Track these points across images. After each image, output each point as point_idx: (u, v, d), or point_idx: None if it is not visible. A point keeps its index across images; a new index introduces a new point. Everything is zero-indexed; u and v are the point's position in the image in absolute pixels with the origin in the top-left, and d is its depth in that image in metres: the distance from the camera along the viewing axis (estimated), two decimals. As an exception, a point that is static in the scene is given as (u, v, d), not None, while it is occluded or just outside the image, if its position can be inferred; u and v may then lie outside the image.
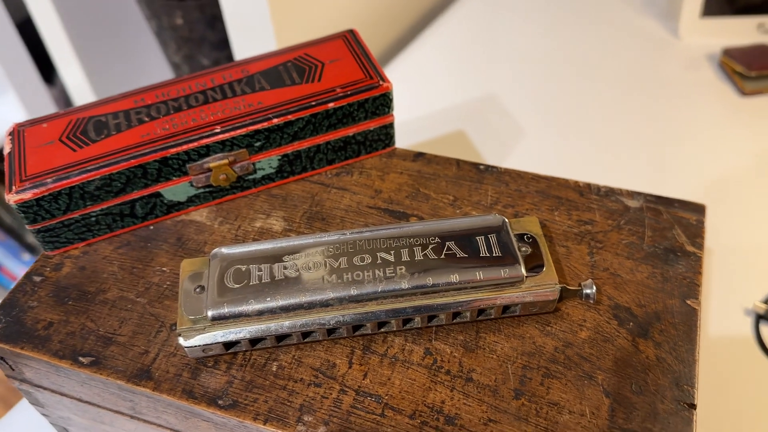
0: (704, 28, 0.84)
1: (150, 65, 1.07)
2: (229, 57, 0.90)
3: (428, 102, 0.78)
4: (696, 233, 0.42)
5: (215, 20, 0.86)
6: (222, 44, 0.89)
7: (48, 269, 0.43)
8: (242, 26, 0.76)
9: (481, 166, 0.47)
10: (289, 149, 0.45)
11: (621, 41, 0.86)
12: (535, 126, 0.74)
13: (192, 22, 0.85)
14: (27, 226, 0.42)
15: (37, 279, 0.42)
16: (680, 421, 0.34)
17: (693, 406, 0.35)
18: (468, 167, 0.47)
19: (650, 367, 0.36)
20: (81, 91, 1.05)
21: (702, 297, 0.39)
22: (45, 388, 0.42)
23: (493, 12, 0.93)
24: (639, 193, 0.45)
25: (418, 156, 0.48)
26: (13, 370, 0.42)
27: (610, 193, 0.45)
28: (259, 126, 0.42)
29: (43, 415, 0.47)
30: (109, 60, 1.03)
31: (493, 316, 0.38)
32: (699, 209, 0.43)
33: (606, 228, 0.43)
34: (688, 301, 0.39)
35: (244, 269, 0.38)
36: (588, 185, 0.45)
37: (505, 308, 0.38)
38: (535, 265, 0.38)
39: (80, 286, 0.42)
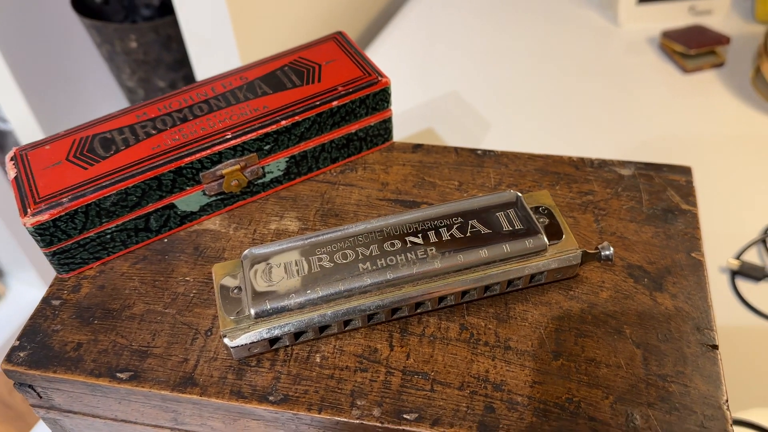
0: (641, 14, 0.89)
1: (99, 93, 1.05)
2: (187, 77, 0.90)
3: (394, 104, 0.80)
4: (688, 192, 0.45)
5: (170, 41, 0.86)
6: (177, 65, 0.88)
7: (65, 292, 0.42)
8: (203, 44, 0.76)
9: (479, 151, 0.49)
10: (296, 150, 0.45)
11: (566, 33, 0.90)
12: (497, 117, 0.77)
13: (146, 45, 0.85)
14: (42, 250, 0.41)
15: (56, 303, 0.42)
16: (707, 362, 0.37)
17: (716, 347, 0.38)
18: (466, 153, 0.49)
19: (671, 317, 0.39)
20: (26, 127, 1.02)
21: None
22: (75, 413, 0.41)
23: (442, 11, 0.96)
24: (630, 162, 0.48)
25: (417, 147, 0.50)
26: (41, 398, 0.41)
27: (603, 164, 0.48)
28: (268, 129, 0.43)
29: (67, 444, 0.45)
30: (55, 93, 1.00)
31: (520, 287, 0.40)
32: (686, 171, 0.47)
33: (606, 196, 0.45)
34: (693, 254, 0.42)
35: (279, 266, 0.38)
36: (582, 159, 0.48)
37: (531, 278, 0.40)
38: (554, 233, 0.40)
39: (103, 304, 0.41)
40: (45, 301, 0.42)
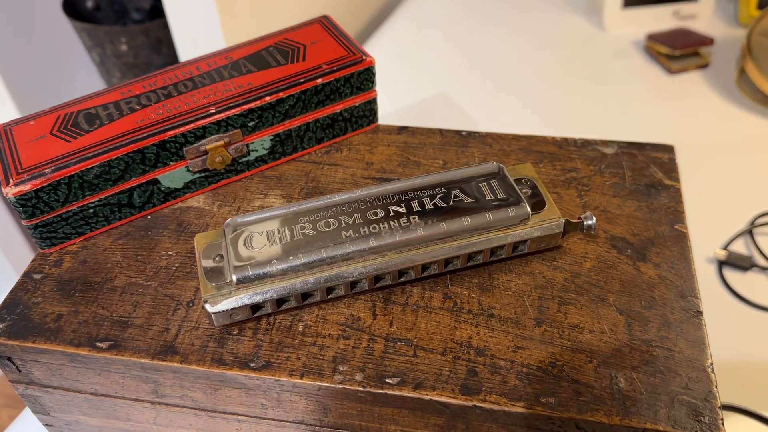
0: (626, 19, 0.90)
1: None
2: (177, 80, 0.90)
3: (382, 105, 0.80)
4: (670, 169, 0.46)
5: (160, 44, 0.86)
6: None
7: (47, 266, 0.42)
8: (193, 45, 0.77)
9: (464, 132, 0.49)
10: (280, 128, 0.46)
11: (552, 37, 0.92)
12: (484, 118, 0.78)
13: (137, 47, 0.85)
14: (24, 222, 0.41)
15: (37, 276, 0.41)
16: (692, 327, 0.37)
17: (700, 313, 0.38)
18: (451, 134, 0.49)
19: (654, 285, 0.39)
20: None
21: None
22: (55, 388, 0.41)
23: (432, 15, 0.97)
24: (612, 141, 0.48)
25: (402, 129, 0.50)
26: (20, 371, 0.40)
27: (587, 143, 0.48)
28: (252, 105, 0.43)
29: (47, 426, 0.45)
30: (45, 98, 1.00)
31: (504, 256, 0.40)
32: (669, 149, 0.47)
33: (589, 173, 0.46)
34: (676, 226, 0.42)
35: (261, 233, 0.38)
36: (565, 139, 0.48)
37: (515, 247, 0.40)
38: (537, 204, 0.40)
39: (84, 278, 0.41)
40: (26, 275, 0.41)
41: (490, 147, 0.48)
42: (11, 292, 0.41)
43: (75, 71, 1.00)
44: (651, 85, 0.82)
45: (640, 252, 0.41)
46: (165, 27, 0.84)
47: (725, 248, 0.62)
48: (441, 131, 0.49)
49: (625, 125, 0.76)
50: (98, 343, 0.37)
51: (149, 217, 0.44)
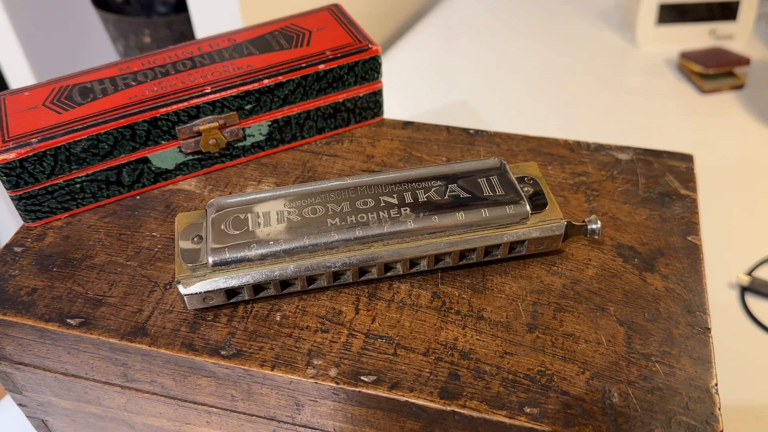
0: (660, 36, 0.87)
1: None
2: (198, 76, 0.90)
3: (403, 107, 0.78)
4: (687, 178, 0.43)
5: (183, 38, 0.86)
6: (191, 63, 0.88)
7: (29, 240, 0.41)
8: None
9: (471, 131, 0.47)
10: (279, 114, 0.44)
11: (582, 51, 0.89)
12: (504, 127, 0.75)
13: (160, 40, 0.85)
14: (8, 192, 0.40)
15: (18, 249, 0.40)
16: (697, 344, 0.34)
17: (708, 330, 0.35)
18: (458, 132, 0.47)
19: (660, 297, 0.36)
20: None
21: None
22: (26, 365, 0.39)
23: (464, 24, 0.95)
24: (628, 147, 0.45)
25: (407, 124, 0.48)
26: (-9, 346, 0.39)
27: (600, 148, 0.45)
28: (249, 87, 0.42)
29: (20, 405, 0.43)
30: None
31: (499, 257, 0.37)
32: (687, 158, 0.44)
33: (600, 178, 0.43)
34: (689, 238, 0.39)
35: (243, 216, 0.36)
36: (578, 142, 0.46)
37: (512, 248, 0.37)
38: (538, 204, 0.38)
39: (65, 253, 0.40)
40: (7, 247, 0.40)
41: (497, 146, 0.46)
42: (-11, 263, 0.40)
43: (101, 62, 1.01)
44: (681, 104, 0.79)
45: (647, 262, 0.38)
46: (188, 21, 0.84)
47: (749, 274, 0.59)
48: (447, 128, 0.47)
49: (652, 142, 0.73)
50: (69, 320, 0.36)
51: (138, 197, 0.43)
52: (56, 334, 0.36)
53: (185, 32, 0.85)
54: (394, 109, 0.77)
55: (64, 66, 0.96)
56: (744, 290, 0.58)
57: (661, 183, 0.43)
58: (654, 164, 0.44)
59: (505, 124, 0.76)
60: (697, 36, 0.87)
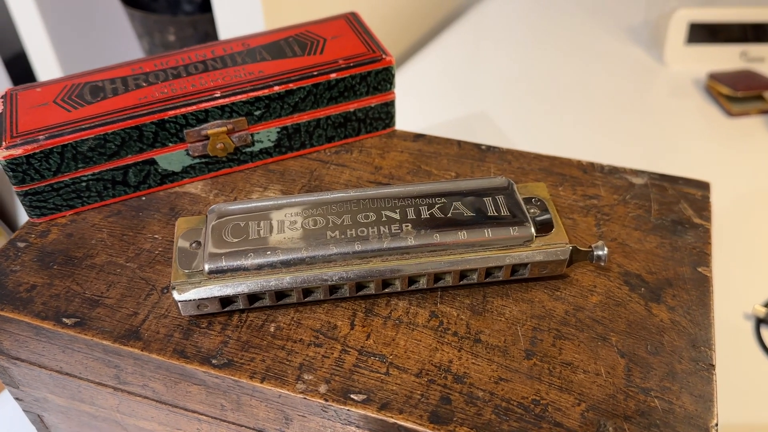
0: (689, 55, 0.86)
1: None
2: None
3: (421, 117, 0.78)
4: (702, 207, 0.42)
5: (207, 37, 0.86)
6: (214, 63, 0.88)
7: (33, 236, 0.41)
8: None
9: (483, 146, 0.46)
10: (288, 121, 0.44)
11: (609, 67, 0.88)
12: (524, 143, 0.74)
13: (184, 39, 0.86)
14: (14, 188, 0.40)
15: (21, 245, 0.40)
16: (700, 381, 0.33)
17: (712, 366, 0.33)
18: (470, 147, 0.46)
19: (665, 330, 0.35)
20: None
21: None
22: (22, 360, 0.39)
23: (488, 38, 0.94)
24: (643, 172, 0.44)
25: (419, 137, 0.47)
26: (-11, 339, 0.39)
27: (614, 171, 0.44)
28: (259, 93, 0.42)
29: (17, 399, 0.43)
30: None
31: (501, 279, 0.36)
32: (703, 186, 0.43)
33: (612, 202, 0.42)
34: (700, 269, 0.38)
35: (243, 224, 0.36)
36: (591, 164, 0.45)
37: (514, 270, 0.36)
38: (544, 226, 0.37)
39: (66, 251, 0.40)
40: (11, 242, 0.41)
41: (508, 164, 0.45)
42: (-8, 257, 0.40)
43: (127, 58, 1.02)
44: (707, 126, 0.77)
45: (654, 292, 0.37)
46: (213, 21, 0.84)
47: (766, 305, 0.57)
48: (459, 143, 0.47)
49: (674, 164, 0.71)
50: (64, 319, 0.36)
51: (144, 198, 0.43)
52: (51, 332, 0.36)
53: (209, 32, 0.86)
54: (412, 117, 0.76)
55: (92, 60, 0.97)
56: (760, 322, 0.57)
57: (675, 210, 0.41)
58: (669, 190, 0.43)
59: (523, 138, 0.74)
60: (727, 57, 0.85)
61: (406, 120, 0.76)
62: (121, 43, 1.01)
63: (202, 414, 0.37)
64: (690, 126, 0.78)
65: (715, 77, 0.80)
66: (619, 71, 0.87)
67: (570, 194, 0.43)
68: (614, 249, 0.39)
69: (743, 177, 0.70)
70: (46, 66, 0.97)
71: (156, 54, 0.90)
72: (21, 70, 1.11)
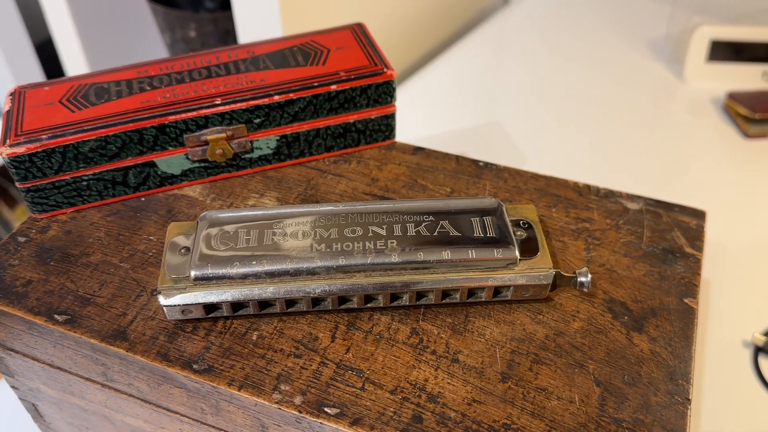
0: (709, 73, 0.84)
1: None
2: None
3: (434, 124, 0.78)
4: (696, 236, 0.41)
5: (227, 35, 0.87)
6: (233, 60, 0.89)
7: (33, 231, 0.42)
8: (253, 40, 0.77)
9: (480, 163, 0.46)
10: (288, 130, 0.44)
11: (626, 81, 0.87)
12: (535, 156, 0.74)
13: (204, 35, 0.87)
14: (17, 184, 0.41)
15: (22, 239, 0.41)
16: (674, 415, 0.33)
17: (687, 401, 0.33)
18: (467, 162, 0.46)
19: (644, 360, 0.35)
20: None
21: (698, 323, 0.38)
22: (16, 352, 0.41)
23: (505, 48, 0.94)
24: (639, 197, 0.44)
25: (418, 150, 0.48)
26: (-14, 330, 0.40)
27: (610, 194, 0.44)
28: (259, 101, 0.42)
29: (13, 387, 0.45)
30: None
31: (483, 299, 0.37)
32: (699, 214, 0.43)
33: (604, 227, 0.42)
34: (686, 300, 0.38)
35: (231, 233, 0.37)
36: (588, 186, 0.45)
37: (497, 292, 0.37)
38: (529, 250, 0.37)
39: (64, 248, 0.41)
40: (12, 236, 0.42)
41: (504, 182, 0.45)
42: (-7, 250, 0.41)
43: (150, 51, 1.03)
44: (722, 147, 0.76)
45: (637, 321, 0.37)
46: (233, 19, 0.85)
47: (766, 334, 0.56)
48: (457, 158, 0.47)
49: (684, 184, 0.71)
50: (56, 315, 0.37)
51: (143, 198, 0.44)
52: (43, 328, 0.37)
53: (229, 29, 0.87)
54: (420, 125, 0.77)
55: (115, 51, 0.99)
56: (758, 350, 0.56)
57: (667, 238, 0.41)
58: (663, 217, 0.43)
59: (533, 150, 0.74)
60: (749, 77, 0.84)
61: (416, 127, 0.76)
62: (144, 35, 1.02)
63: (183, 415, 0.38)
64: (705, 145, 0.77)
65: (734, 97, 0.79)
66: (637, 85, 0.86)
67: (563, 216, 0.43)
68: (601, 275, 0.39)
69: (756, 199, 0.69)
70: (72, 54, 0.99)
71: (177, 48, 0.92)
72: (50, 56, 1.13)
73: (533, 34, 0.97)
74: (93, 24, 0.96)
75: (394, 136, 0.48)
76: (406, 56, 0.94)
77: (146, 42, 1.02)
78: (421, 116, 0.78)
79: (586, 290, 0.37)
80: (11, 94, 0.43)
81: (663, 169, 0.73)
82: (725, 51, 0.84)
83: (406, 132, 0.75)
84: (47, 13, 0.96)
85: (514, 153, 0.74)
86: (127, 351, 0.35)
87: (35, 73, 1.11)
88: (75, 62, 1.00)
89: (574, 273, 0.37)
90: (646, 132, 0.79)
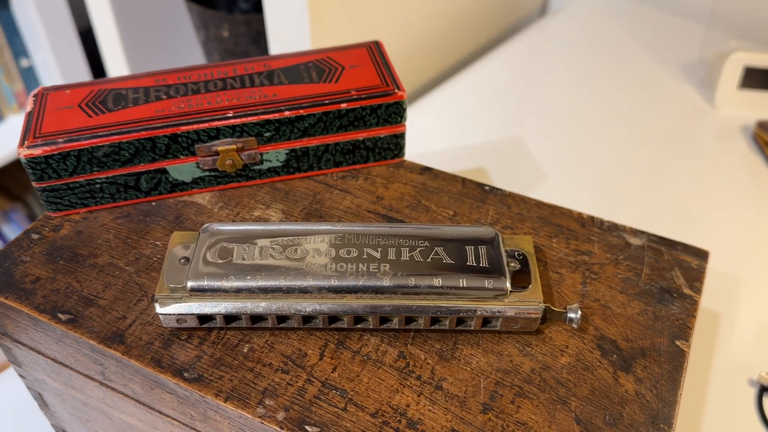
0: (741, 100, 0.83)
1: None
2: (269, 74, 0.92)
3: (455, 138, 0.78)
4: (695, 277, 0.41)
5: (259, 37, 0.89)
6: (263, 61, 0.91)
7: (47, 229, 0.44)
8: (284, 45, 0.78)
9: (486, 187, 0.47)
10: (297, 144, 0.45)
11: (655, 103, 0.86)
12: (557, 173, 0.74)
13: (237, 36, 0.88)
14: (33, 183, 0.43)
15: (35, 236, 0.43)
16: (651, 459, 0.33)
17: (667, 446, 0.33)
18: (473, 186, 0.47)
19: (628, 401, 0.35)
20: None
21: (704, 357, 0.37)
22: (23, 344, 0.42)
23: (532, 64, 0.94)
24: (642, 232, 0.44)
25: (425, 170, 0.48)
26: (-4, 321, 0.42)
27: (613, 228, 0.44)
28: (270, 116, 0.43)
29: (21, 376, 0.47)
30: (154, 68, 1.06)
31: (472, 328, 0.37)
32: (702, 254, 0.42)
33: (603, 261, 0.42)
34: (678, 342, 0.38)
35: (229, 246, 0.38)
36: (591, 218, 0.45)
37: (486, 322, 0.37)
38: (522, 282, 0.37)
39: (74, 248, 0.42)
40: (26, 232, 0.43)
41: (508, 208, 0.45)
42: (8, 245, 0.43)
43: (184, 47, 1.06)
44: (746, 176, 0.75)
45: (626, 360, 0.37)
46: (264, 21, 0.86)
47: (773, 374, 0.56)
48: (464, 180, 0.47)
49: (703, 213, 0.70)
50: (60, 314, 0.39)
51: (154, 203, 0.45)
52: (47, 325, 0.39)
53: (261, 31, 0.88)
54: (438, 138, 0.77)
55: (152, 45, 1.01)
56: (763, 390, 0.55)
57: (666, 277, 0.41)
58: (665, 255, 0.42)
59: (554, 168, 0.74)
60: (782, 106, 0.82)
61: (433, 140, 0.76)
62: (180, 31, 1.04)
63: (174, 419, 0.39)
64: (728, 173, 0.75)
65: (764, 126, 0.78)
66: (666, 108, 0.85)
67: (563, 247, 0.43)
68: (595, 310, 0.39)
69: (774, 234, 0.68)
70: (112, 46, 1.01)
71: (210, 47, 0.93)
72: (94, 43, 1.16)
73: (567, 49, 0.96)
74: (132, 17, 0.98)
75: (403, 155, 0.48)
76: (433, 68, 0.94)
77: (182, 38, 1.04)
78: (444, 128, 0.79)
79: (575, 326, 0.37)
80: (35, 95, 0.45)
81: (685, 193, 0.72)
82: (759, 78, 0.82)
83: (423, 143, 0.75)
84: (89, 5, 0.99)
85: (532, 170, 0.74)
86: (122, 354, 0.37)
87: (78, 63, 1.14)
88: (113, 52, 1.02)
89: (565, 308, 0.37)
90: (671, 156, 0.78)
